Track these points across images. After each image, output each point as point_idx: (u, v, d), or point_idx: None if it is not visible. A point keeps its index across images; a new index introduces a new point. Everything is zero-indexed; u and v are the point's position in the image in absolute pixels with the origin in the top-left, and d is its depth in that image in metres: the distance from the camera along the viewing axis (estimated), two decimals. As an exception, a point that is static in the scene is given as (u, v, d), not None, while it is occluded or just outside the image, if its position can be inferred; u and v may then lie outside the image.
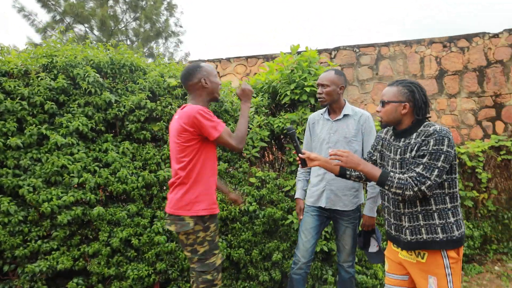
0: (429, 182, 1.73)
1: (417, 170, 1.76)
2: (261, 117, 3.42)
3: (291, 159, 3.40)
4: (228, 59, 7.33)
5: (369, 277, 3.36)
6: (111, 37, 12.96)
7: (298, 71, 3.46)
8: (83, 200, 2.86)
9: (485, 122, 6.30)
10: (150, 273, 2.87)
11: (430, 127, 1.82)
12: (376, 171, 1.86)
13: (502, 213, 4.47)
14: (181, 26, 16.03)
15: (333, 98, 2.56)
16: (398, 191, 1.78)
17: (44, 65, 3.07)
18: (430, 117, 1.96)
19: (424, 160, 1.76)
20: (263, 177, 3.27)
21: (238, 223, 3.14)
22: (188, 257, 2.18)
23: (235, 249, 3.10)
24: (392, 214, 1.95)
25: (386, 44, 6.69)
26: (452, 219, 1.82)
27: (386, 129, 2.08)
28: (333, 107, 2.62)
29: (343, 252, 2.63)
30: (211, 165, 2.18)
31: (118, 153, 2.99)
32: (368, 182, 2.39)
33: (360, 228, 2.65)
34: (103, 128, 3.06)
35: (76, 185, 2.85)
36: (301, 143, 3.02)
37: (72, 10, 12.70)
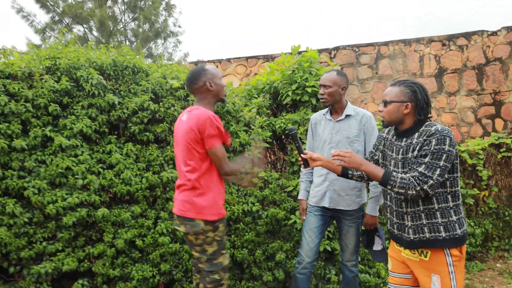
0: (431, 181, 1.75)
1: (419, 169, 1.78)
2: (262, 118, 3.44)
3: (293, 159, 3.42)
4: (228, 60, 7.34)
5: (371, 275, 3.38)
6: (110, 37, 12.97)
7: (299, 72, 3.48)
8: (88, 201, 2.88)
9: (485, 120, 6.32)
10: (154, 274, 2.89)
11: (431, 126, 1.84)
12: (379, 171, 1.88)
13: (503, 210, 4.50)
14: (179, 26, 16.11)
15: (335, 98, 2.58)
16: (400, 190, 1.80)
17: (48, 67, 3.08)
18: (431, 117, 1.98)
19: (426, 159, 1.78)
20: (265, 178, 3.29)
21: (241, 223, 3.16)
22: (196, 257, 2.20)
23: (239, 249, 3.12)
24: (394, 213, 1.97)
25: (386, 43, 6.71)
26: (454, 218, 1.84)
27: (387, 129, 2.09)
28: (335, 107, 2.64)
29: (347, 252, 2.65)
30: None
31: (121, 154, 3.00)
32: (370, 182, 2.41)
33: (363, 227, 2.67)
34: (106, 130, 3.07)
35: (80, 187, 2.86)
36: (303, 143, 3.04)
37: (71, 11, 12.71)
